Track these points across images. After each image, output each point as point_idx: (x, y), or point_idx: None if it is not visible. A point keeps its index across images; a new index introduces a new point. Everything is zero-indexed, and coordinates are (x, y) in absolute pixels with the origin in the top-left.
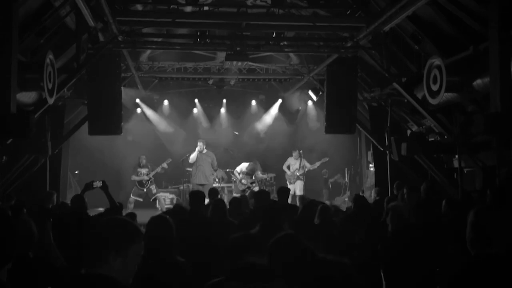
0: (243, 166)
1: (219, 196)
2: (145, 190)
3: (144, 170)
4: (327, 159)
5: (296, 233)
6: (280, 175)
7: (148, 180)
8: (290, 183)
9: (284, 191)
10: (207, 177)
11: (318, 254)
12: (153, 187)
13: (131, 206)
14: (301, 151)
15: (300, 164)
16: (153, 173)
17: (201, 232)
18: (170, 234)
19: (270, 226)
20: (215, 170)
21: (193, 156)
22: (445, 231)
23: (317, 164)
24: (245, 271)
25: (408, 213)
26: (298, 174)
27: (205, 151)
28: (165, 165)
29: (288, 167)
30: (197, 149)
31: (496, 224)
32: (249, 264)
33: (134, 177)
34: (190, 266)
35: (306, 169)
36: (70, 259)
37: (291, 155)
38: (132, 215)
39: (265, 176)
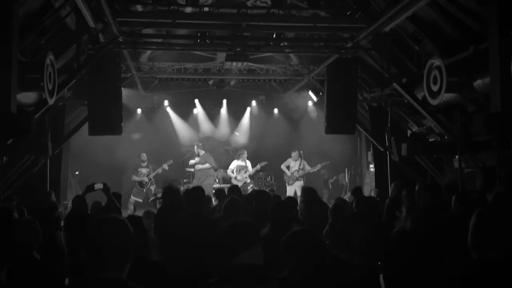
0: (234, 162)
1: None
2: (144, 190)
3: (144, 170)
4: (328, 162)
5: (312, 229)
6: (277, 171)
7: (148, 181)
8: (289, 184)
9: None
10: (209, 177)
11: (332, 252)
12: (153, 188)
13: (131, 206)
14: (301, 151)
15: (299, 165)
16: (154, 174)
17: (197, 231)
18: (144, 234)
19: (281, 224)
20: (215, 170)
21: (191, 162)
22: (450, 234)
23: (318, 166)
24: (239, 273)
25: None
26: (297, 175)
27: (202, 152)
28: (165, 166)
29: (288, 168)
30: (196, 158)
31: (497, 227)
32: (243, 265)
33: (135, 178)
34: (168, 266)
35: (306, 171)
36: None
37: (291, 156)
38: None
39: (258, 167)
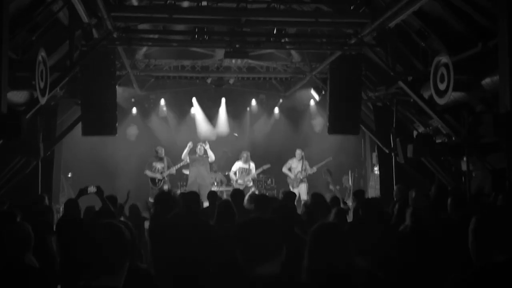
0: (237, 164)
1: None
2: (157, 189)
3: (159, 166)
4: (330, 158)
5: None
6: (278, 173)
7: (161, 179)
8: (293, 187)
9: (290, 196)
10: (204, 179)
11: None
12: (166, 188)
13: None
14: (303, 153)
15: (302, 166)
16: (167, 172)
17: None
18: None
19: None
20: (215, 172)
21: (185, 153)
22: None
23: (323, 163)
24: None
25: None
26: (301, 177)
27: (202, 153)
28: (177, 166)
29: (290, 170)
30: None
31: (498, 231)
32: (268, 277)
33: (148, 173)
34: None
35: (308, 173)
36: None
37: (294, 156)
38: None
39: (260, 170)
